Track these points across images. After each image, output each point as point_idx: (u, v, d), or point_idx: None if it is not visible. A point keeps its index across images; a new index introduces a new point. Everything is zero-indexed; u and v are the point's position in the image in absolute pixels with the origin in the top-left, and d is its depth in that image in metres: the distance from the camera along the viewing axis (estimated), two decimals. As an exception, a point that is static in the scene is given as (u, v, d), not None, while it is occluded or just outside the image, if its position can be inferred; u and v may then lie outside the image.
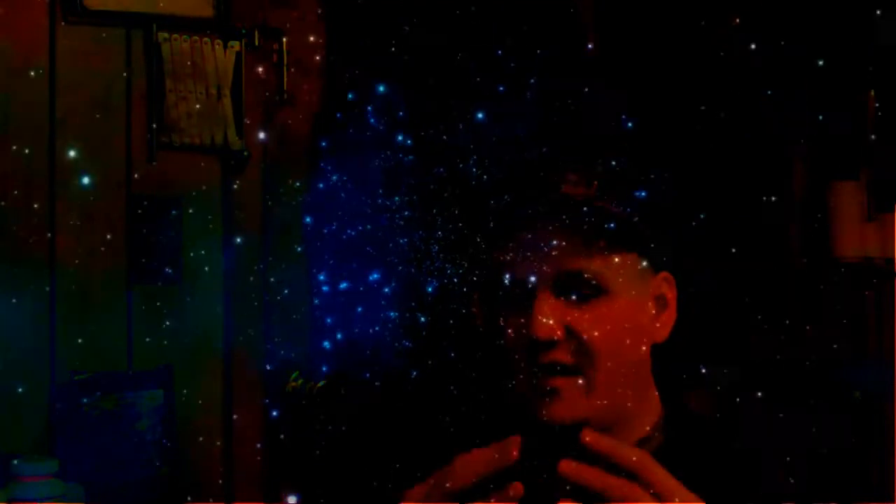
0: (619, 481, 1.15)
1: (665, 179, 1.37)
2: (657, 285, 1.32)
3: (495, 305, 1.29)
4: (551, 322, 1.24)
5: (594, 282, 1.26)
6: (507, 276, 1.27)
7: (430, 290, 1.44)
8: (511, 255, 1.27)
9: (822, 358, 2.27)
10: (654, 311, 1.32)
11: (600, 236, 1.26)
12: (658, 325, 1.32)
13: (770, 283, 2.33)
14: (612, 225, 1.26)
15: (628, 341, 1.27)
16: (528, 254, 1.26)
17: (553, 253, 1.25)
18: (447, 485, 1.17)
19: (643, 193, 1.31)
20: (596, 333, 1.25)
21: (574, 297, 1.26)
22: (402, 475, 1.32)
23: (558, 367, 1.25)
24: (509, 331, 1.27)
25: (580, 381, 1.25)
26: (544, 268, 1.26)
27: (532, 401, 1.26)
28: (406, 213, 1.90)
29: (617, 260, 1.27)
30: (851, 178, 2.44)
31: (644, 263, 1.30)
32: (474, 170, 1.41)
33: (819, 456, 1.37)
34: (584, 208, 1.26)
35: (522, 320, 1.26)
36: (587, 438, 1.18)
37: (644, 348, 1.31)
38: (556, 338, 1.24)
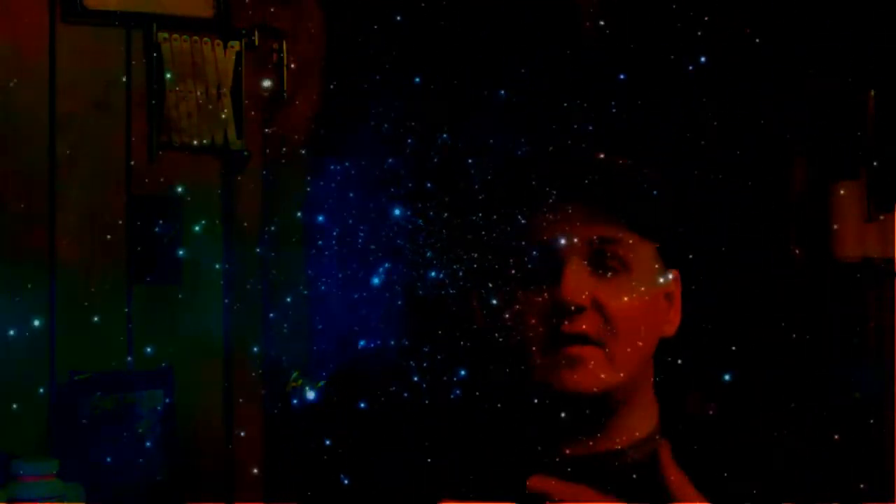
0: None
1: (687, 174, 1.40)
2: (667, 281, 1.35)
3: (521, 278, 1.30)
4: (581, 289, 1.26)
5: (619, 255, 1.29)
6: (538, 245, 1.29)
7: (431, 288, 1.44)
8: (542, 224, 1.29)
9: (822, 358, 2.27)
10: (664, 306, 1.35)
11: (628, 203, 1.28)
12: (667, 320, 1.35)
13: (769, 282, 2.33)
14: (638, 190, 1.29)
15: (645, 323, 1.31)
16: (560, 223, 1.29)
17: (584, 222, 1.29)
18: None
19: (670, 162, 1.34)
20: (619, 305, 1.28)
21: (600, 270, 1.29)
22: (404, 475, 1.32)
23: (582, 337, 1.27)
24: (534, 303, 1.28)
25: (602, 352, 1.27)
26: (575, 236, 1.29)
27: (554, 371, 1.27)
28: (407, 212, 1.90)
29: (640, 244, 1.30)
30: (851, 178, 2.44)
31: (660, 257, 1.33)
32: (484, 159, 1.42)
33: (819, 456, 1.37)
34: (615, 171, 1.29)
35: (550, 290, 1.27)
36: (532, 483, 1.20)
37: (656, 338, 1.34)
38: (584, 304, 1.26)
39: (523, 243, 1.30)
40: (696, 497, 1.19)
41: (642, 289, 1.30)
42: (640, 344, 1.30)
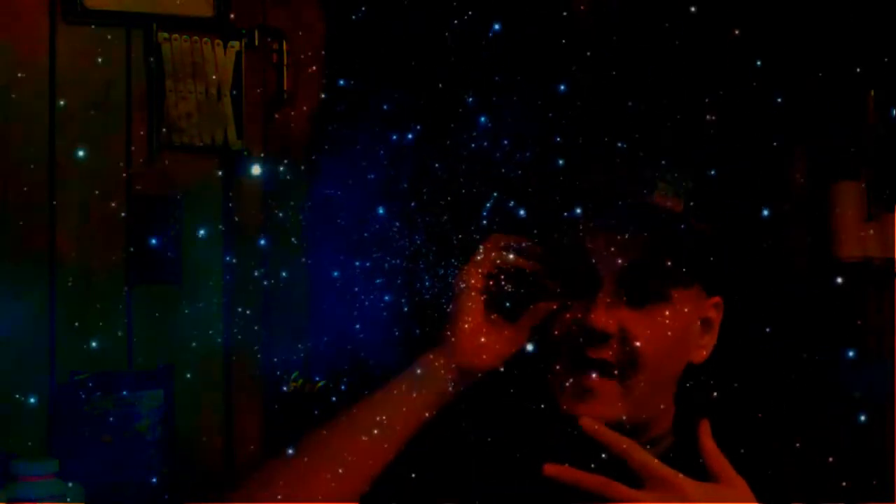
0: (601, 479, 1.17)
1: (744, 201, 1.37)
2: (707, 308, 1.33)
3: (554, 294, 1.29)
4: (611, 316, 1.25)
5: (659, 290, 1.27)
6: (578, 264, 1.28)
7: (430, 287, 1.43)
8: (586, 245, 1.28)
9: (822, 358, 2.26)
10: (699, 332, 1.33)
11: (676, 250, 1.26)
12: (700, 346, 1.33)
13: (769, 282, 2.33)
14: (689, 241, 1.27)
15: (673, 354, 1.29)
16: (604, 248, 1.27)
17: (628, 253, 1.27)
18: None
19: (726, 212, 1.32)
20: (647, 338, 1.26)
21: (635, 301, 1.27)
22: (403, 474, 1.32)
23: (602, 365, 1.26)
24: (563, 319, 1.28)
25: (619, 385, 1.26)
26: (616, 264, 1.27)
27: (568, 398, 1.27)
28: (407, 212, 1.89)
29: (682, 278, 1.28)
30: (851, 178, 2.44)
31: (701, 286, 1.31)
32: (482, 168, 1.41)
33: (819, 456, 1.37)
34: (669, 221, 1.27)
35: (580, 310, 1.26)
36: (584, 422, 1.19)
37: (683, 366, 1.32)
38: (610, 332, 1.25)
39: (564, 258, 1.29)
40: (734, 473, 1.18)
41: (676, 322, 1.28)
42: (664, 374, 1.29)
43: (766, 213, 1.94)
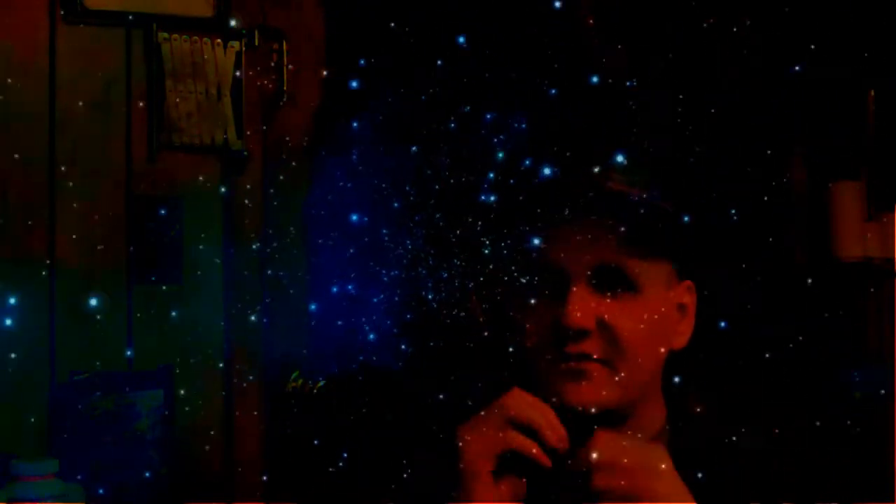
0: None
1: (703, 182, 1.37)
2: (681, 293, 1.34)
3: (525, 295, 1.29)
4: (586, 312, 1.25)
5: (629, 278, 1.27)
6: (544, 265, 1.28)
7: (430, 288, 1.44)
8: (550, 244, 1.27)
9: (822, 358, 2.27)
10: (676, 318, 1.33)
11: (640, 233, 1.26)
12: (679, 332, 1.34)
13: (769, 282, 2.33)
14: (652, 221, 1.27)
15: (653, 341, 1.29)
16: (568, 244, 1.27)
17: (592, 246, 1.26)
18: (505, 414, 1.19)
19: (685, 192, 1.32)
20: (626, 326, 1.27)
21: (607, 292, 1.27)
22: (401, 474, 1.32)
23: (586, 356, 1.26)
24: (538, 321, 1.28)
25: (607, 369, 1.26)
26: (582, 259, 1.26)
27: (558, 385, 1.27)
28: (407, 212, 1.90)
29: (650, 262, 1.29)
30: (851, 178, 2.44)
31: (672, 270, 1.32)
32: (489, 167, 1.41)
33: (819, 456, 1.37)
34: (629, 203, 1.27)
35: (554, 310, 1.27)
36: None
37: (664, 352, 1.32)
38: (588, 328, 1.25)
39: (530, 260, 1.29)
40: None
41: (651, 308, 1.28)
42: (647, 361, 1.29)
43: (737, 199, 1.94)
